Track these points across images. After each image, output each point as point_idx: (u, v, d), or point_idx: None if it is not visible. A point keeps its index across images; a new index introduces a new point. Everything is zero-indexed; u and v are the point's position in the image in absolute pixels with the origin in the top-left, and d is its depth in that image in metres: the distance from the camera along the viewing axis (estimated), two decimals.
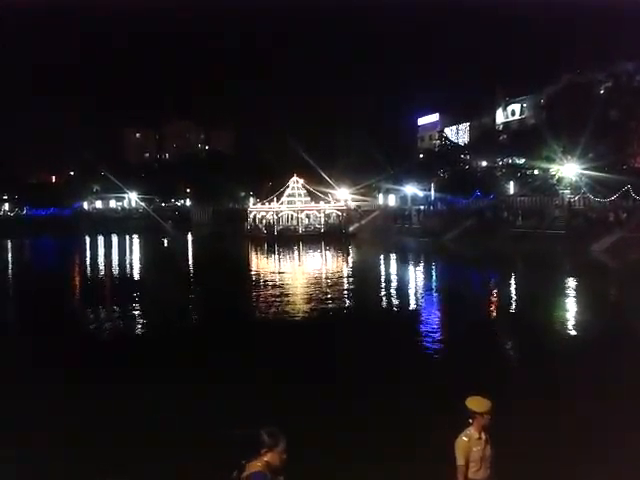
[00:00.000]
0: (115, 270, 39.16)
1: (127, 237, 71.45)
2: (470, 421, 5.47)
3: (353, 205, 70.66)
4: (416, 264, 39.08)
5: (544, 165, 56.34)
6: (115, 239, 69.52)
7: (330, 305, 22.50)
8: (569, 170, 50.12)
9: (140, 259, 48.97)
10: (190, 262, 46.18)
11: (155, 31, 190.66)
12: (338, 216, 66.94)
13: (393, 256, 43.35)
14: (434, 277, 32.91)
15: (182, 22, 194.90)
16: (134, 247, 61.82)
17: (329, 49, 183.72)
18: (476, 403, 5.43)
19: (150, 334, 18.51)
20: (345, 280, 30.75)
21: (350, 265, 40.36)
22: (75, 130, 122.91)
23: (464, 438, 5.43)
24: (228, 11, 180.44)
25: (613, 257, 36.89)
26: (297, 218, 65.52)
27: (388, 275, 33.45)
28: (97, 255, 52.80)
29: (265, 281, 30.37)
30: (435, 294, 26.32)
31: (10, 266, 44.43)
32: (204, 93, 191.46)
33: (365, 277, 31.67)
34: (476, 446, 5.40)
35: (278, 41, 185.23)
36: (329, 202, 68.29)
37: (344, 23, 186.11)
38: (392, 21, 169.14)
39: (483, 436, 5.44)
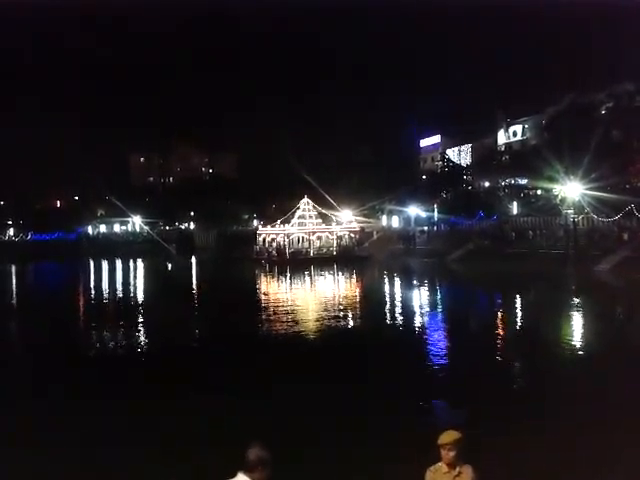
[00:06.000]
0: (115, 299, 35.80)
1: (131, 261, 71.17)
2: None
3: (358, 227, 70.43)
4: (428, 288, 38.09)
5: (547, 185, 56.42)
6: (119, 263, 69.09)
7: (367, 336, 21.27)
8: (572, 190, 50.16)
9: (143, 286, 46.31)
10: (199, 290, 42.14)
11: (158, 55, 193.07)
12: (351, 238, 65.86)
13: (410, 280, 42.23)
14: (452, 301, 32.15)
15: (183, 48, 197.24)
16: (138, 272, 60.94)
17: (330, 72, 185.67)
18: (442, 436, 5.46)
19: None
20: (372, 310, 28.29)
21: (372, 292, 36.75)
22: (79, 155, 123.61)
23: (430, 469, 5.52)
24: (228, 35, 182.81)
25: (619, 276, 36.73)
26: (308, 240, 63.96)
27: (412, 302, 31.71)
28: (100, 281, 50.37)
29: (289, 315, 26.02)
30: (460, 319, 25.19)
31: (14, 291, 44.41)
32: (207, 117, 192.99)
33: (393, 306, 29.83)
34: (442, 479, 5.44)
35: (276, 65, 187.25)
36: (341, 223, 66.82)
37: (344, 48, 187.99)
38: (392, 43, 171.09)
39: (455, 470, 5.44)
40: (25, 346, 21.65)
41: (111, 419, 11.79)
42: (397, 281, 43.62)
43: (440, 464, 5.49)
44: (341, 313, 26.94)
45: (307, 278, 47.45)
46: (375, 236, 70.27)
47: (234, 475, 4.75)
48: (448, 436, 5.44)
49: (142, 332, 23.16)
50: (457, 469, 5.45)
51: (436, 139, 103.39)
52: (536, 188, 62.87)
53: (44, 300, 35.13)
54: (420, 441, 6.94)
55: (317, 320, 24.97)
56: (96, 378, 15.47)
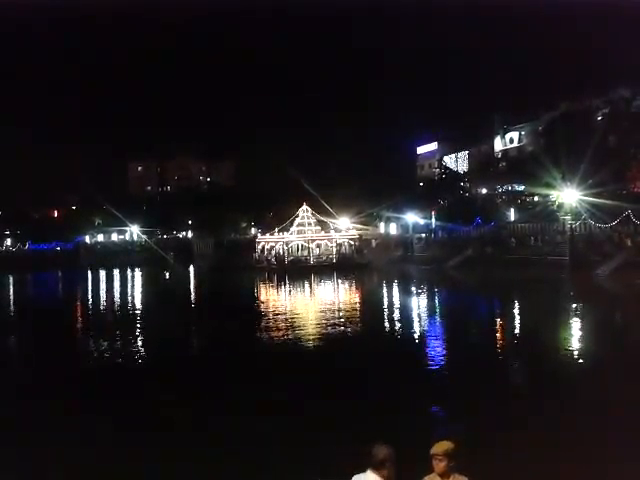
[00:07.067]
0: (114, 310, 35.38)
1: (128, 271, 70.76)
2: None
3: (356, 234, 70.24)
4: (429, 296, 38.00)
5: (544, 191, 56.59)
6: (117, 273, 68.55)
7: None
8: (569, 196, 50.32)
9: (142, 296, 45.44)
10: (198, 301, 40.95)
11: (156, 65, 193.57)
12: (350, 245, 65.56)
13: (410, 288, 42.08)
14: (453, 310, 31.50)
15: (182, 57, 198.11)
16: (136, 282, 60.62)
17: (328, 78, 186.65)
18: (434, 446, 5.41)
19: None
20: (373, 320, 27.58)
21: (373, 301, 35.84)
22: (77, 164, 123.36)
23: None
24: (227, 36, 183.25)
25: (619, 281, 36.79)
26: (308, 248, 63.66)
27: (413, 311, 31.44)
28: (98, 292, 49.87)
29: (289, 326, 25.40)
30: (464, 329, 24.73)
31: (12, 303, 44.17)
32: (205, 126, 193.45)
33: (395, 315, 29.23)
34: None
35: (276, 74, 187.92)
36: (340, 231, 66.58)
37: (343, 54, 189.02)
38: (390, 50, 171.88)
39: None
40: (26, 357, 21.58)
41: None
42: (397, 289, 43.46)
43: (434, 474, 5.42)
44: (343, 323, 26.45)
45: (307, 286, 47.21)
46: (374, 243, 70.26)
47: (363, 471, 4.95)
48: (439, 446, 5.38)
49: (143, 344, 23.03)
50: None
51: (433, 146, 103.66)
52: (533, 194, 63.09)
53: (43, 312, 34.92)
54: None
55: (319, 332, 24.32)
56: (90, 391, 15.38)
